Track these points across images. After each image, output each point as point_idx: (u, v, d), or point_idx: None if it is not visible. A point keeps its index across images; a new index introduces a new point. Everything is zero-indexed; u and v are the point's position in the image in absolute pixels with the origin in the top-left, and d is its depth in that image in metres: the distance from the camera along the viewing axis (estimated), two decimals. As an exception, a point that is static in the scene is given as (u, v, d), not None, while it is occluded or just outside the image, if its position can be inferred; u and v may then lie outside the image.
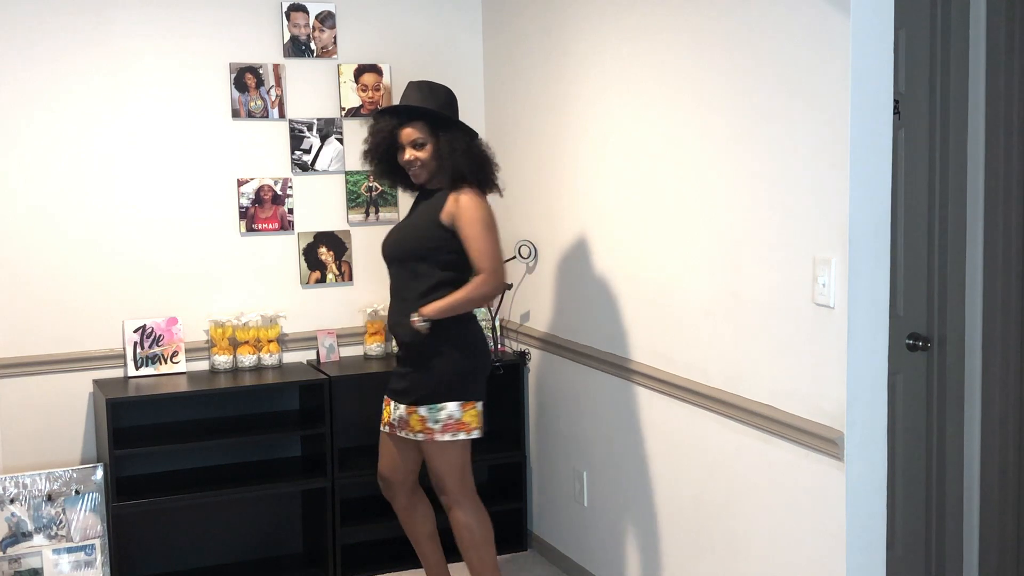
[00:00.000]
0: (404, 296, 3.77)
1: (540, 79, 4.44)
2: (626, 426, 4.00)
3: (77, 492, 4.16)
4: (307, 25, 4.63)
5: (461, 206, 3.68)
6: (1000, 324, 3.71)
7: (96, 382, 4.37)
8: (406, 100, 3.79)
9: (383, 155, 3.82)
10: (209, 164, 4.54)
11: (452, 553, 4.43)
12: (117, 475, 4.23)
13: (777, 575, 3.25)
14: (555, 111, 4.34)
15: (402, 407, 3.78)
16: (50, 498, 4.13)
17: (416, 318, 3.67)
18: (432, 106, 3.74)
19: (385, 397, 3.90)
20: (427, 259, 3.73)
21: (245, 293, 4.62)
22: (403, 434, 3.80)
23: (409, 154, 3.74)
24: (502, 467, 4.73)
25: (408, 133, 3.74)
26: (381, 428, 3.92)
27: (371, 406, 4.36)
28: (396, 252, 3.83)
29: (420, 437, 3.75)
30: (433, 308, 3.67)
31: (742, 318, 3.32)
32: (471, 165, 3.73)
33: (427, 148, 3.73)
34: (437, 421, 3.72)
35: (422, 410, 3.73)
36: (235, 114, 4.56)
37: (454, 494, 3.84)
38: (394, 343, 4.43)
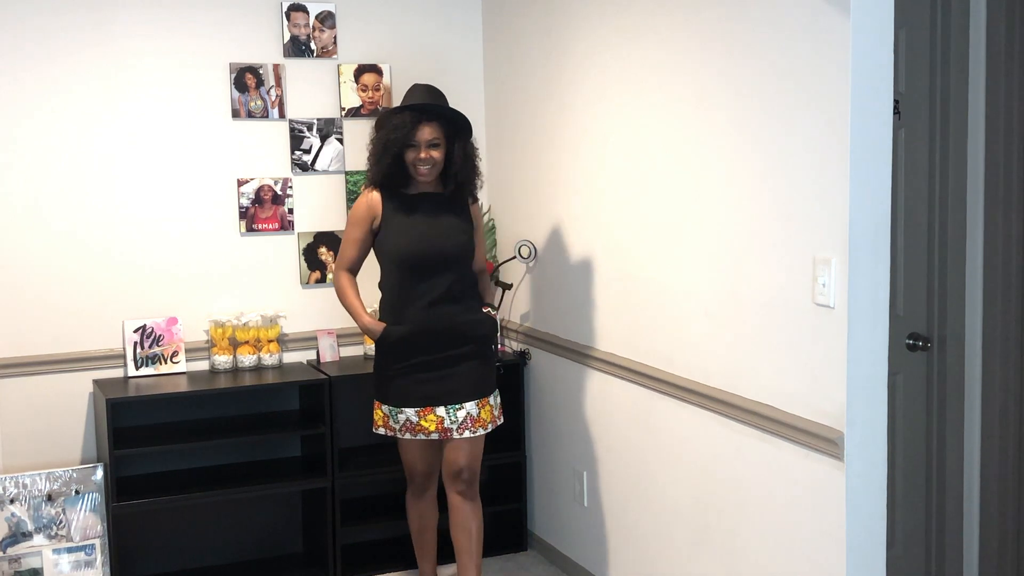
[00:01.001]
0: (459, 296, 3.87)
1: (540, 79, 4.44)
2: (626, 426, 4.00)
3: (77, 492, 4.16)
4: (307, 25, 4.63)
5: (478, 212, 4.03)
6: (1000, 324, 3.71)
7: (96, 382, 4.37)
8: (420, 101, 3.84)
9: (398, 151, 3.81)
10: (209, 164, 4.54)
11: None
12: (117, 475, 4.23)
13: (777, 574, 3.25)
14: (555, 111, 4.34)
15: (469, 404, 3.85)
16: (50, 498, 4.13)
17: (494, 312, 4.01)
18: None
19: (420, 411, 3.84)
20: (469, 260, 3.95)
21: (245, 293, 4.62)
22: (467, 434, 3.86)
23: (424, 153, 3.79)
24: (502, 467, 4.73)
25: (428, 132, 3.78)
26: (420, 437, 3.88)
27: (371, 406, 4.36)
28: (451, 254, 3.84)
29: (489, 428, 3.92)
30: (494, 300, 4.06)
31: (742, 318, 3.32)
32: (474, 175, 3.95)
33: (440, 150, 3.81)
34: (497, 407, 3.96)
35: (491, 399, 3.93)
36: (235, 114, 4.56)
37: (476, 482, 3.98)
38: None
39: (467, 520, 3.95)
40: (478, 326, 3.90)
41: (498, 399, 3.98)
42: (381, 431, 3.95)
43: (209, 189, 4.55)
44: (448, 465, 3.93)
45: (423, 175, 3.82)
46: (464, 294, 3.89)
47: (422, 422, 3.84)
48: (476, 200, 4.00)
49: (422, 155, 3.79)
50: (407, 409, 3.85)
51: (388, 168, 3.83)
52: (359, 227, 3.91)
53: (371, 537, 4.72)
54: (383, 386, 3.91)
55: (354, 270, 3.97)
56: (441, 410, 3.83)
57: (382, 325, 3.85)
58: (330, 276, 4.72)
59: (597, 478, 4.24)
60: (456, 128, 3.85)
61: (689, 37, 3.48)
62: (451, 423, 3.84)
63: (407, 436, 3.89)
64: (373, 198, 3.89)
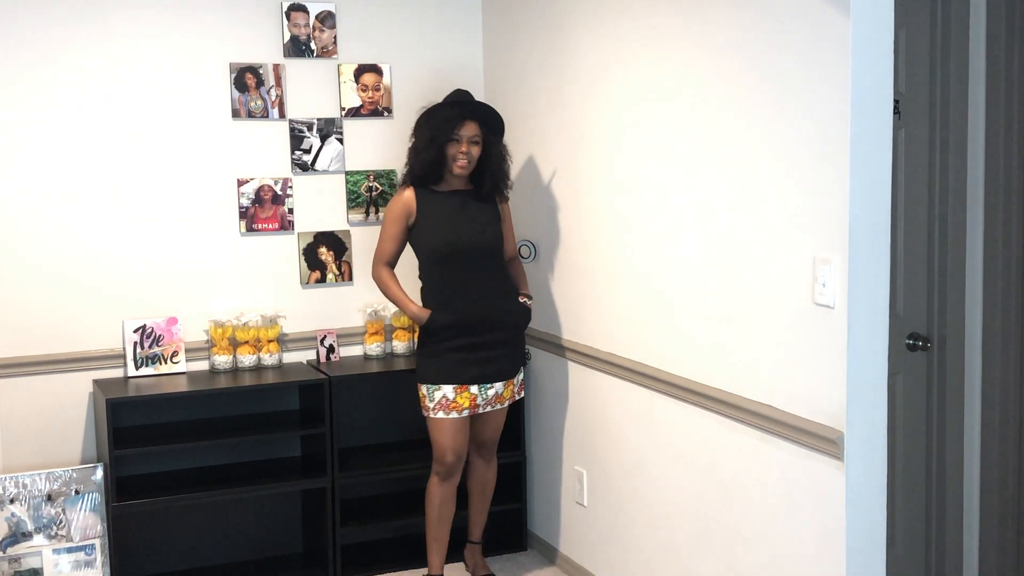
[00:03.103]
0: (497, 286, 4.17)
1: (540, 78, 4.44)
2: (626, 426, 4.00)
3: (77, 492, 4.16)
4: (307, 25, 4.63)
5: (508, 207, 4.30)
6: (1000, 324, 3.71)
7: (96, 382, 4.37)
8: (466, 101, 4.16)
9: (442, 143, 4.06)
10: (209, 164, 4.54)
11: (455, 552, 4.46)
12: (117, 475, 4.23)
13: (777, 574, 3.25)
14: (554, 111, 4.34)
15: (498, 384, 4.16)
16: (50, 498, 4.13)
17: (530, 302, 4.27)
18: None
19: (456, 387, 4.08)
20: (502, 250, 4.25)
21: (245, 293, 4.62)
22: (489, 408, 4.17)
23: (465, 147, 4.07)
24: (502, 467, 4.72)
25: (472, 127, 4.08)
26: (456, 416, 4.08)
27: (371, 406, 4.37)
28: (485, 246, 4.14)
29: (507, 403, 4.24)
30: (528, 289, 4.34)
31: (742, 318, 3.32)
32: (507, 175, 4.23)
33: (478, 147, 4.11)
34: (520, 381, 4.30)
35: (517, 378, 4.26)
36: (235, 114, 4.56)
37: (496, 445, 4.37)
38: (397, 338, 4.70)
39: (484, 475, 4.37)
40: (514, 316, 4.19)
41: (522, 375, 4.29)
42: (424, 412, 4.16)
43: (209, 189, 4.54)
44: (476, 436, 4.27)
45: (460, 168, 4.07)
46: (502, 283, 4.20)
47: (458, 399, 4.09)
48: (506, 199, 4.28)
49: (463, 149, 4.06)
50: (445, 386, 4.06)
51: (432, 157, 4.07)
52: (396, 224, 4.16)
53: (371, 537, 4.72)
54: (426, 367, 4.13)
55: (392, 264, 4.23)
56: (475, 388, 4.11)
57: (428, 312, 4.09)
58: (330, 276, 4.73)
59: (597, 478, 4.24)
60: (492, 131, 4.15)
61: (689, 37, 3.48)
62: (481, 400, 4.14)
63: (440, 415, 4.08)
64: (407, 196, 4.15)
